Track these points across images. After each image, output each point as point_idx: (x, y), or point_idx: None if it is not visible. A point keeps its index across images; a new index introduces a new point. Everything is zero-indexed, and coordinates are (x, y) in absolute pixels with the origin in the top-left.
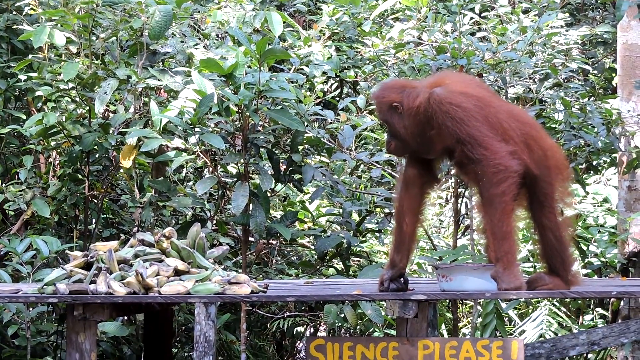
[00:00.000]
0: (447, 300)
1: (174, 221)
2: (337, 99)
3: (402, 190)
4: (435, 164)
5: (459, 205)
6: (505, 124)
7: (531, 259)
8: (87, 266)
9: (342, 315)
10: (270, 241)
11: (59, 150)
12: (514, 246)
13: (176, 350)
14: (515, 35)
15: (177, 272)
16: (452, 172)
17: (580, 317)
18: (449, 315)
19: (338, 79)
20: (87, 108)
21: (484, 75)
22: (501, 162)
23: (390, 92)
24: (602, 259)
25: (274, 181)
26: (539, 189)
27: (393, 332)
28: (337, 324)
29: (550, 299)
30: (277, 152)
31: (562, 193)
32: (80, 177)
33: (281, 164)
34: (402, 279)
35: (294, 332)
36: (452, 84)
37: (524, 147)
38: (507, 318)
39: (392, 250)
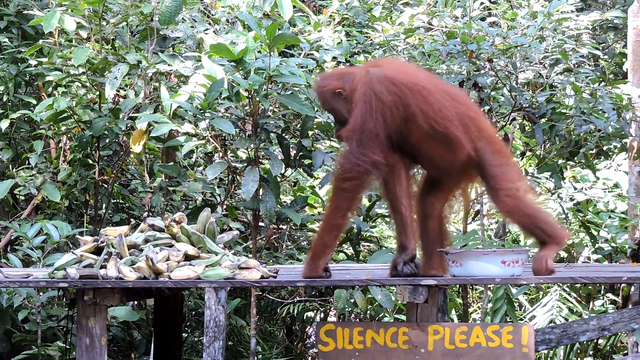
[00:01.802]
0: (457, 286)
1: (184, 206)
2: None
3: (389, 177)
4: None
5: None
6: (439, 103)
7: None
8: (97, 251)
9: (352, 301)
10: (281, 226)
11: (69, 135)
12: (329, 238)
13: (186, 335)
14: (525, 20)
15: (187, 257)
16: None
17: (591, 303)
18: (459, 300)
19: (348, 64)
20: (98, 93)
21: (494, 60)
22: (362, 165)
23: (330, 80)
24: (613, 245)
25: (284, 166)
26: (486, 173)
27: (403, 318)
28: (347, 309)
29: (561, 284)
30: (287, 137)
31: (509, 174)
32: (90, 162)
33: (291, 149)
34: (414, 262)
35: (304, 317)
36: (388, 67)
37: (459, 125)
38: (517, 303)
39: (398, 234)
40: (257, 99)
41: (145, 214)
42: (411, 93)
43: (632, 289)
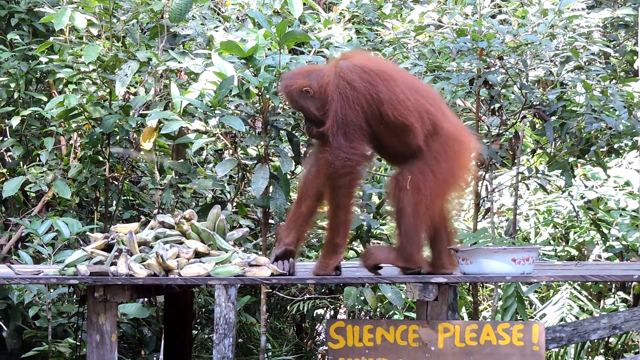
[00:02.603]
0: (468, 283)
1: (194, 203)
2: None
3: (309, 172)
4: None
5: (479, 188)
6: (403, 93)
7: (552, 242)
8: (107, 248)
9: (362, 298)
10: None
11: (79, 132)
12: (337, 237)
13: (196, 332)
14: (536, 17)
15: (197, 254)
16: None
17: (602, 301)
18: (469, 298)
19: None
20: (108, 90)
21: (505, 58)
22: (353, 158)
23: (297, 78)
24: (624, 243)
25: (294, 163)
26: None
27: (413, 315)
28: (357, 307)
29: (572, 282)
30: (297, 134)
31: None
32: (100, 159)
33: (301, 147)
34: (289, 261)
35: (314, 315)
36: (357, 58)
37: (417, 117)
38: (528, 301)
39: (283, 228)
40: (267, 96)
41: (156, 211)
42: (381, 80)
43: None
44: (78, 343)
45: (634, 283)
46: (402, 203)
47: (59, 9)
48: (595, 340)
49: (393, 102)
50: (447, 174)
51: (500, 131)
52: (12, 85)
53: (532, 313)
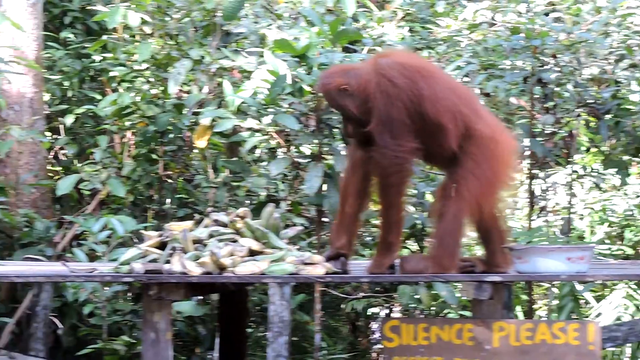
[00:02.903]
0: (523, 282)
1: (248, 201)
2: None
3: (347, 172)
4: None
5: (533, 186)
6: (442, 92)
7: (607, 241)
8: (161, 246)
9: (417, 297)
10: None
11: (133, 131)
12: (391, 236)
13: (251, 331)
14: (590, 15)
15: (252, 253)
16: (527, 153)
17: None
18: (524, 297)
19: None
20: (161, 88)
21: (559, 56)
22: (401, 155)
23: (334, 77)
24: None
25: None
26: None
27: (468, 314)
28: (411, 305)
29: (627, 281)
30: None
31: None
32: (154, 157)
33: None
34: (340, 260)
35: (369, 313)
36: (396, 55)
37: (451, 118)
38: (583, 300)
39: (332, 233)
40: (320, 94)
41: (209, 209)
42: (421, 77)
43: None
44: (133, 341)
45: None
46: (443, 210)
47: (112, 7)
48: None
49: (433, 100)
50: (489, 174)
51: (555, 129)
52: (66, 83)
53: (587, 312)
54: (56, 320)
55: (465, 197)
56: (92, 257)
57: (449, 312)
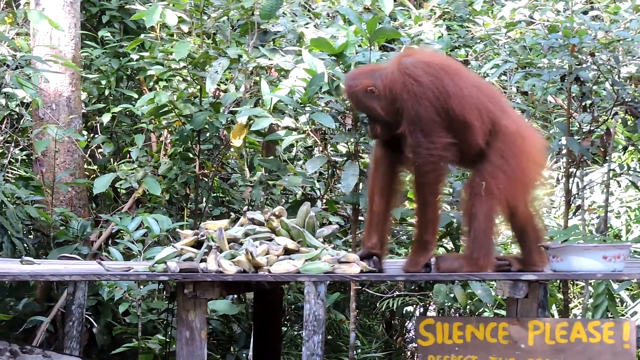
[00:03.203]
0: (558, 281)
1: (283, 200)
2: None
3: (372, 171)
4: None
5: (570, 185)
6: (467, 89)
7: None
8: (197, 244)
9: (452, 295)
10: None
11: (170, 129)
12: (427, 234)
13: (286, 329)
14: (628, 13)
15: (287, 251)
16: (564, 151)
17: None
18: (559, 295)
19: None
20: (198, 87)
21: (597, 54)
22: (435, 153)
23: (360, 78)
24: None
25: None
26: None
27: (503, 313)
28: (446, 304)
29: None
30: None
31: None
32: (191, 155)
33: None
34: (372, 260)
35: (404, 312)
36: (420, 54)
37: (478, 115)
38: (618, 299)
39: (364, 233)
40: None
41: (245, 207)
42: (446, 74)
43: None
44: (168, 339)
45: None
46: (475, 209)
47: (150, 6)
48: None
49: (459, 96)
50: (518, 171)
51: (592, 128)
52: (103, 82)
53: (623, 311)
54: (91, 319)
55: (495, 195)
56: (128, 255)
57: (484, 311)
